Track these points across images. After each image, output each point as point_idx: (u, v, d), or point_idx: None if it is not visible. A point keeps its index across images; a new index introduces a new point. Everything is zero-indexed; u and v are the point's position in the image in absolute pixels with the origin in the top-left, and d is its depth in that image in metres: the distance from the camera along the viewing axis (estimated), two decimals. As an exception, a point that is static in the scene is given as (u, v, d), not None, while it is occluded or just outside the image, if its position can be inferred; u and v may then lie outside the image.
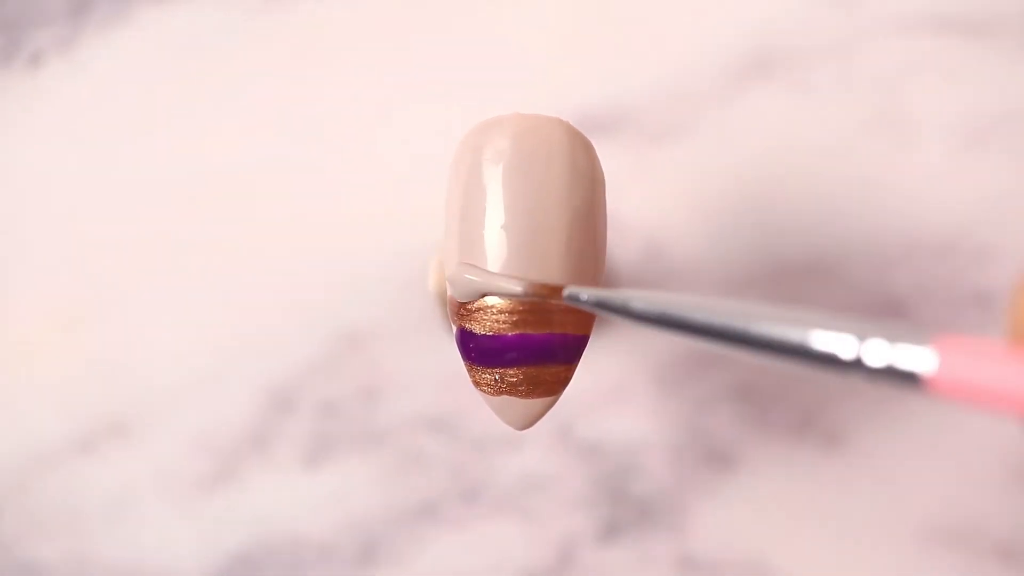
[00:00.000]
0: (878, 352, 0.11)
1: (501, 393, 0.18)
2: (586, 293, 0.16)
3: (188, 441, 0.31)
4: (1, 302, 0.32)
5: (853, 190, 0.29)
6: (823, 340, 0.12)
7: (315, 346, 0.31)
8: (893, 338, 0.11)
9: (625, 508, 0.29)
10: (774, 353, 0.12)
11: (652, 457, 0.29)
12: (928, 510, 0.28)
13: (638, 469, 0.29)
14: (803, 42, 0.30)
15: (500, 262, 0.17)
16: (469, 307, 0.18)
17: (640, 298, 0.15)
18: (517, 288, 0.17)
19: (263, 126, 0.32)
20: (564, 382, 0.18)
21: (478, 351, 0.18)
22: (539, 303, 0.17)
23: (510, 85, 0.31)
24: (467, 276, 0.17)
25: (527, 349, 0.17)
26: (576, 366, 0.18)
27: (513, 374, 0.18)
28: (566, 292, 0.17)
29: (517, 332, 0.17)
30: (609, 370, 0.29)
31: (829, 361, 0.12)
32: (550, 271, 0.17)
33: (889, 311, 0.28)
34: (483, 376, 0.18)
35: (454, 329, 0.19)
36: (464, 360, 0.18)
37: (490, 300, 0.17)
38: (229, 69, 0.32)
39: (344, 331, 0.30)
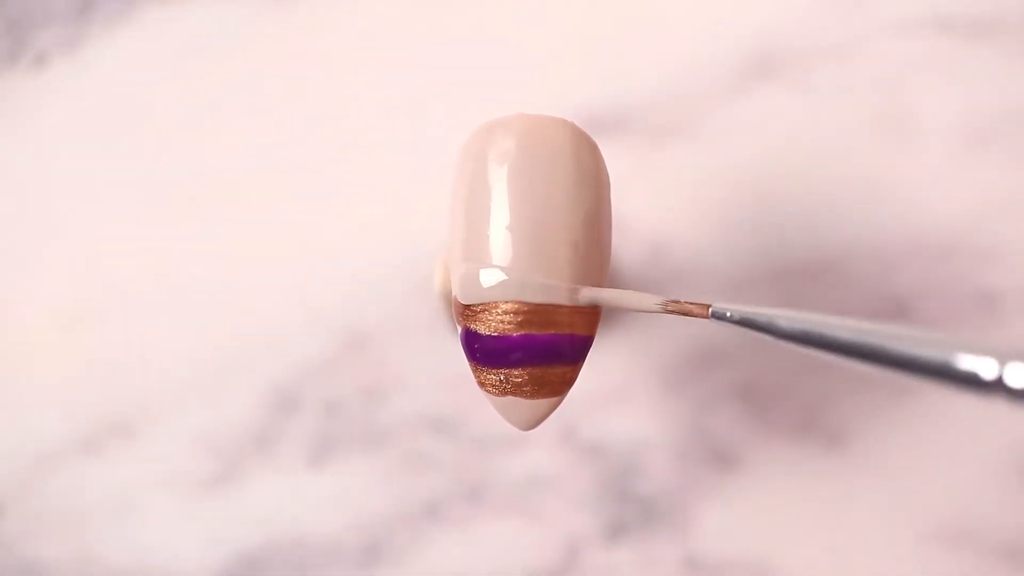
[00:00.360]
0: (1019, 374, 0.12)
1: (506, 394, 0.18)
2: (730, 311, 0.16)
3: (191, 441, 0.31)
4: (1, 302, 0.32)
5: (854, 190, 0.29)
6: (965, 361, 0.12)
7: (318, 346, 0.30)
8: None
9: (629, 508, 0.29)
10: (915, 373, 0.13)
11: (655, 457, 0.29)
12: (931, 509, 0.28)
13: (641, 469, 0.29)
14: (803, 42, 0.30)
15: (506, 263, 0.17)
16: (474, 308, 0.18)
17: (786, 317, 0.15)
18: (655, 306, 0.17)
19: (266, 126, 0.32)
20: (569, 382, 0.18)
21: (483, 352, 0.18)
22: (543, 304, 0.17)
23: (511, 85, 0.31)
24: (591, 294, 0.17)
25: (532, 350, 0.17)
26: (581, 366, 0.18)
27: (518, 375, 0.18)
28: (712, 309, 0.16)
29: (522, 333, 0.17)
30: (612, 370, 0.29)
31: (970, 382, 0.12)
32: (556, 272, 0.17)
33: (891, 312, 0.28)
34: (488, 377, 0.18)
35: (459, 330, 0.18)
36: (469, 361, 0.18)
37: (494, 301, 0.17)
38: (232, 69, 0.32)
39: (347, 331, 0.30)
